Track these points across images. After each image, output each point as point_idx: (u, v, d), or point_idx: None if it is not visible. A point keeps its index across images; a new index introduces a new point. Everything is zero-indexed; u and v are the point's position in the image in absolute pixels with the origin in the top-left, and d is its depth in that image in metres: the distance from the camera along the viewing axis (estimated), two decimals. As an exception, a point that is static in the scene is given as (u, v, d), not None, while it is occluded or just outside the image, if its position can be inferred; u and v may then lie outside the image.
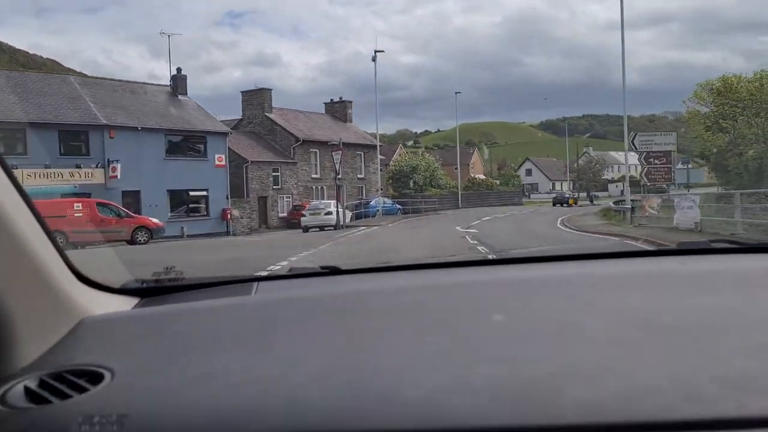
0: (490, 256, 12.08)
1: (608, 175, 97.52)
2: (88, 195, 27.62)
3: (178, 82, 37.00)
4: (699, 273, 1.38)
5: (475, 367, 0.83)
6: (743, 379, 0.75)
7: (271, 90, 44.36)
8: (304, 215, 31.79)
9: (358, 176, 47.21)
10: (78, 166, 29.42)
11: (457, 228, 23.07)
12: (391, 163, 55.13)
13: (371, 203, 40.40)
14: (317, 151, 43.12)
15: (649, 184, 26.34)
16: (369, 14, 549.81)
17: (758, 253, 1.60)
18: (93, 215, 23.72)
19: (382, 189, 45.88)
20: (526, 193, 78.35)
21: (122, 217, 24.99)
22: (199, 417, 0.79)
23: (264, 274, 1.69)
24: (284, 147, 42.03)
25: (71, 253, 1.20)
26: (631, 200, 23.86)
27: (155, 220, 26.14)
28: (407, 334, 1.01)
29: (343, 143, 36.69)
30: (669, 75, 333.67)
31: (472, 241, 16.43)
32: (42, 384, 0.90)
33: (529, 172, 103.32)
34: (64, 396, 0.86)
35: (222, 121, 38.54)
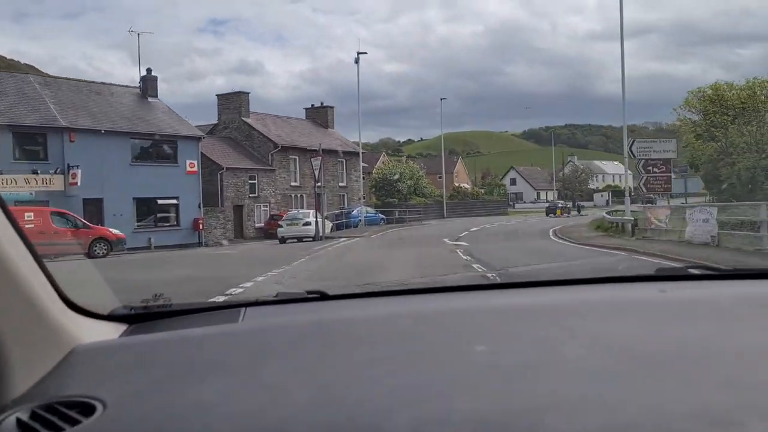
0: (489, 275, 10.67)
1: (592, 185, 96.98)
2: (46, 203, 25.87)
3: (148, 84, 34.76)
4: (677, 300, 1.43)
5: (458, 400, 0.85)
6: (719, 413, 0.78)
7: (248, 94, 42.15)
8: (281, 225, 29.96)
9: (340, 184, 45.25)
10: (35, 172, 27.30)
11: (446, 240, 21.80)
12: (375, 170, 53.28)
13: (353, 213, 38.52)
14: (297, 157, 41.25)
15: (648, 193, 24.95)
16: (352, 22, 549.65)
17: (734, 279, 1.72)
18: (46, 226, 21.62)
19: (364, 198, 43.93)
20: (511, 203, 76.96)
21: (79, 228, 22.96)
22: None
23: (252, 299, 1.59)
24: (262, 153, 39.97)
25: (54, 270, 1.16)
26: (632, 211, 22.50)
27: (116, 232, 24.10)
28: (393, 365, 1.01)
29: (324, 149, 34.90)
30: (650, 86, 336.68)
31: (464, 257, 14.79)
32: (34, 416, 0.90)
33: (513, 182, 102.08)
34: (57, 429, 0.87)
35: (197, 126, 36.53)
